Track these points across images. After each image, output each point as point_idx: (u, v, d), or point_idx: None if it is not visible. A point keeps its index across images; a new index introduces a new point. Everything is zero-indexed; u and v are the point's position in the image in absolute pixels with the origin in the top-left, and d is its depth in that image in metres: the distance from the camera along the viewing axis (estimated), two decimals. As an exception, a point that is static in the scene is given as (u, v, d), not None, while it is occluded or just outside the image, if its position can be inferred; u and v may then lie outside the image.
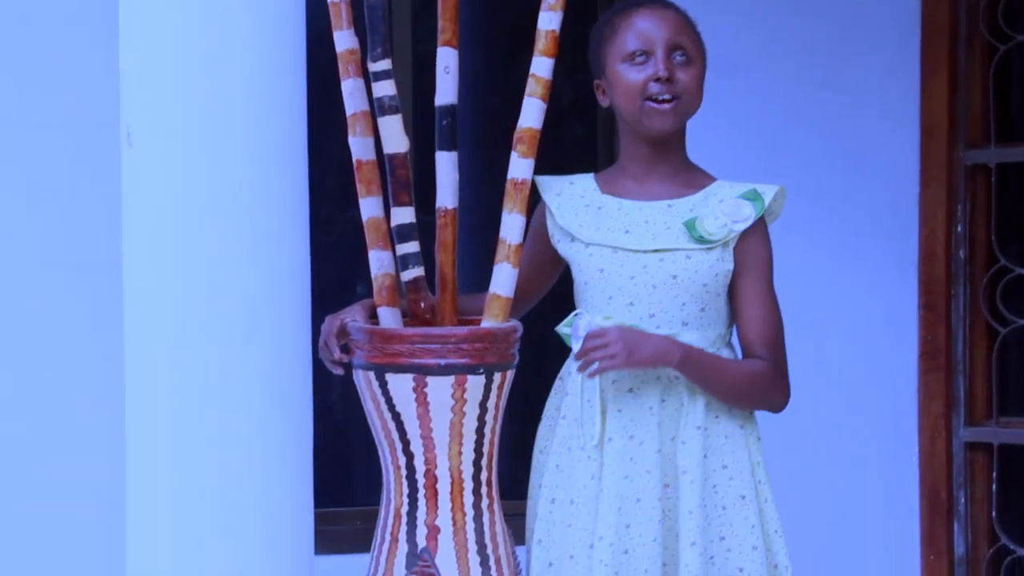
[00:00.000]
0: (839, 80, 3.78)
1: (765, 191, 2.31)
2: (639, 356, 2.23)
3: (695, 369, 2.26)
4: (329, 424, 3.66)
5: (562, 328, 2.32)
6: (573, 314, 2.32)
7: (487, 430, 2.14)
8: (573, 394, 2.32)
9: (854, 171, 3.80)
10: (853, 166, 3.80)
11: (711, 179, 2.35)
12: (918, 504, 3.81)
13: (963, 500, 3.79)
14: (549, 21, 2.14)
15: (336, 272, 3.83)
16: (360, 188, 2.20)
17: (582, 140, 3.92)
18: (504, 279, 2.17)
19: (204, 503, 2.05)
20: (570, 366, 2.35)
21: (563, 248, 2.34)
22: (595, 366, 2.23)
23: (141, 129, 2.04)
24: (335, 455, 3.79)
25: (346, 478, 3.86)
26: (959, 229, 3.77)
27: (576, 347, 2.29)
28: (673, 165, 2.33)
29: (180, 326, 2.06)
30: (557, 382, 2.39)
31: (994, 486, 3.76)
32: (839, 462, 3.81)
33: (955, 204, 3.76)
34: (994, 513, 3.76)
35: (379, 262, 2.20)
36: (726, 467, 2.30)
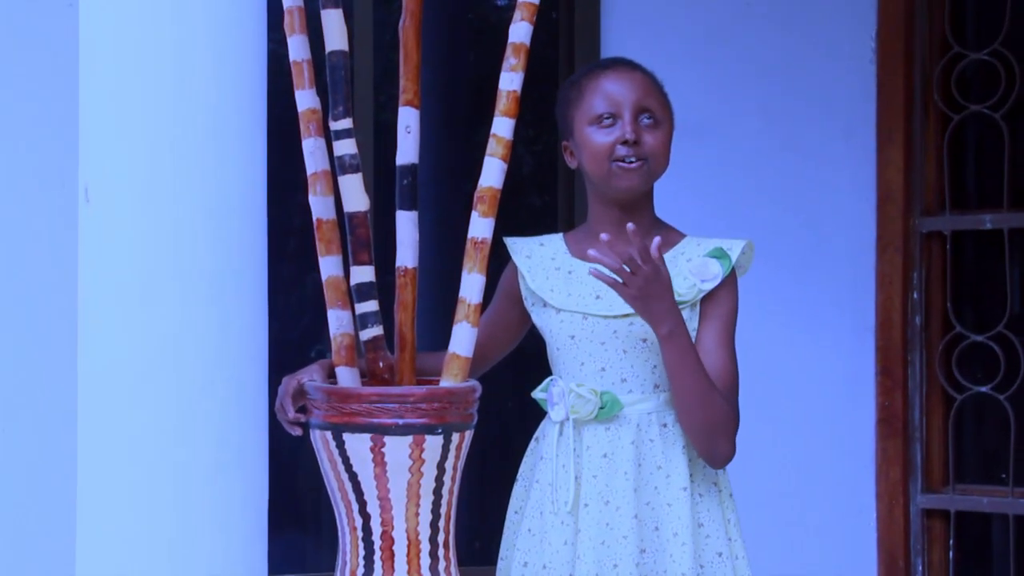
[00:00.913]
0: (798, 145, 3.82)
1: (732, 247, 2.32)
2: (643, 306, 2.20)
3: (676, 350, 2.21)
4: (283, 486, 3.63)
5: (537, 394, 2.33)
6: (548, 380, 2.33)
7: (445, 491, 2.12)
8: (548, 458, 2.31)
9: (813, 236, 3.83)
10: (812, 231, 3.83)
11: (680, 236, 2.36)
12: (876, 571, 3.81)
13: (920, 567, 3.79)
14: (510, 82, 2.15)
15: (296, 334, 3.81)
16: (320, 247, 2.19)
17: (541, 211, 3.94)
18: (463, 339, 2.16)
19: (156, 567, 2.02)
20: (545, 429, 2.34)
21: (536, 314, 2.35)
22: (607, 272, 2.19)
23: (98, 186, 2.03)
24: (289, 519, 3.75)
25: (301, 542, 3.82)
26: (915, 296, 3.80)
27: (553, 412, 2.29)
28: (642, 227, 2.33)
29: (135, 386, 2.03)
30: (532, 443, 2.39)
31: (951, 553, 3.77)
32: (797, 527, 3.81)
33: (911, 271, 3.80)
34: (951, 580, 3.77)
35: (338, 321, 2.19)
36: (702, 525, 2.29)
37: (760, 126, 3.81)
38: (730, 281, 2.32)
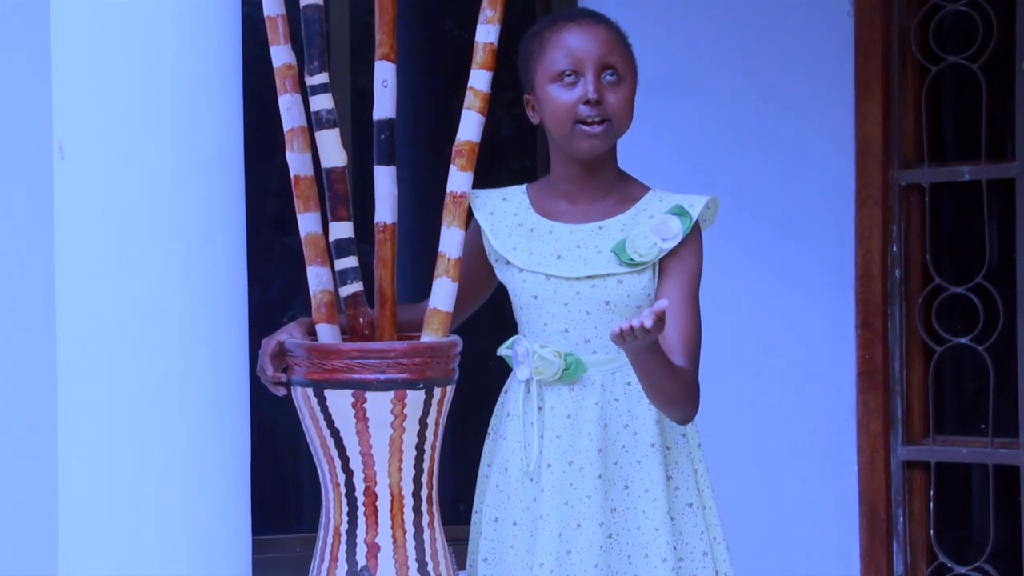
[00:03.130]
0: (776, 98, 3.81)
1: (694, 204, 2.28)
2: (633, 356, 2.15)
3: (645, 370, 2.17)
4: (266, 449, 3.62)
5: (503, 351, 2.31)
6: (513, 338, 2.31)
7: (427, 446, 2.12)
8: (514, 415, 2.30)
9: (792, 190, 3.83)
10: (791, 185, 3.83)
11: (644, 189, 2.33)
12: (857, 523, 3.83)
13: (902, 518, 3.81)
14: (487, 34, 2.14)
15: (276, 295, 3.80)
16: (298, 204, 2.18)
17: (520, 174, 3.92)
18: (444, 293, 2.16)
19: (138, 530, 2.01)
20: (511, 382, 2.33)
21: (499, 270, 2.33)
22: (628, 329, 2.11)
23: (73, 143, 2.01)
24: (273, 481, 3.74)
25: (284, 504, 3.81)
26: (895, 249, 3.80)
27: (518, 371, 2.28)
28: (605, 183, 2.30)
29: (113, 346, 2.02)
30: (501, 396, 2.37)
31: (932, 504, 3.79)
32: (778, 480, 3.82)
33: (891, 224, 3.80)
34: (932, 531, 3.79)
35: (317, 278, 2.18)
36: (671, 478, 2.29)
37: (738, 80, 3.80)
38: (693, 237, 2.28)
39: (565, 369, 2.25)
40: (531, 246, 2.29)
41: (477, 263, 2.34)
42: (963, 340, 3.75)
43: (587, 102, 2.23)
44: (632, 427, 2.27)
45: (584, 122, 2.24)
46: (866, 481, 3.81)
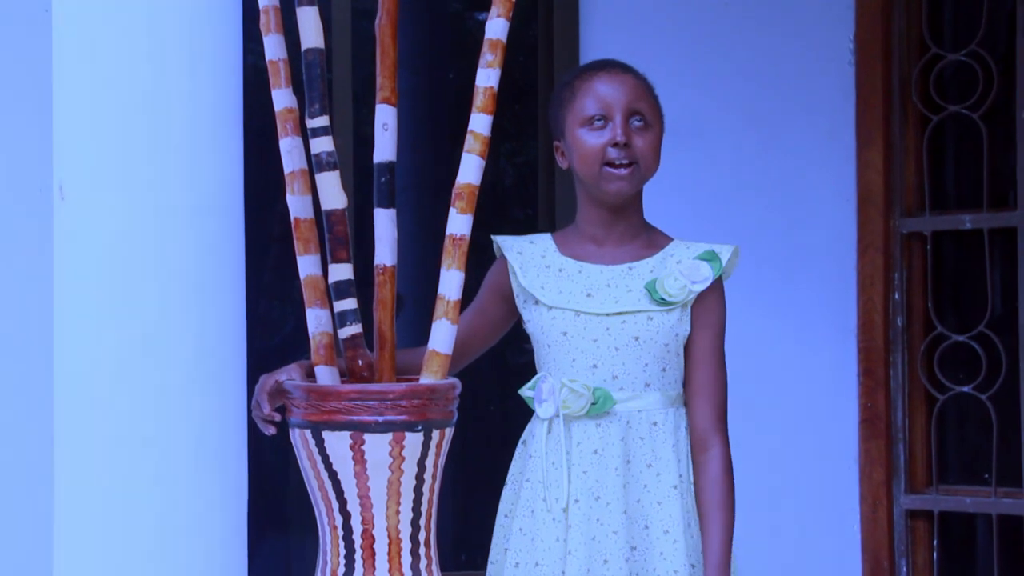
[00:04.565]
0: (779, 146, 3.82)
1: (722, 251, 2.34)
2: None
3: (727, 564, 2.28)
4: (262, 490, 3.61)
5: (525, 391, 2.33)
6: (537, 377, 2.33)
7: (426, 489, 2.11)
8: (538, 456, 2.31)
9: (795, 237, 3.84)
10: (794, 232, 3.84)
11: (668, 239, 2.38)
12: (860, 573, 3.81)
13: (905, 568, 3.78)
14: (487, 78, 2.15)
15: (278, 341, 3.80)
16: (298, 246, 2.18)
17: (523, 223, 3.94)
18: (443, 336, 2.15)
19: (134, 572, 2.00)
20: (533, 429, 2.34)
21: (526, 311, 2.35)
22: None
23: (73, 184, 2.02)
24: (269, 522, 3.73)
25: (280, 546, 3.80)
26: (896, 297, 3.80)
27: (541, 409, 2.29)
28: (631, 227, 2.35)
29: (110, 388, 2.02)
30: (520, 446, 2.39)
31: (935, 553, 3.76)
32: (781, 529, 3.80)
33: (892, 272, 3.80)
34: (936, 581, 3.77)
35: (317, 320, 2.18)
36: (690, 525, 2.31)
37: (741, 127, 3.82)
38: (717, 286, 2.34)
39: (593, 403, 2.28)
40: (560, 285, 2.33)
41: (497, 305, 2.38)
42: (966, 389, 3.74)
43: (615, 145, 2.29)
44: (655, 467, 2.29)
45: (612, 164, 2.30)
46: (869, 530, 3.79)
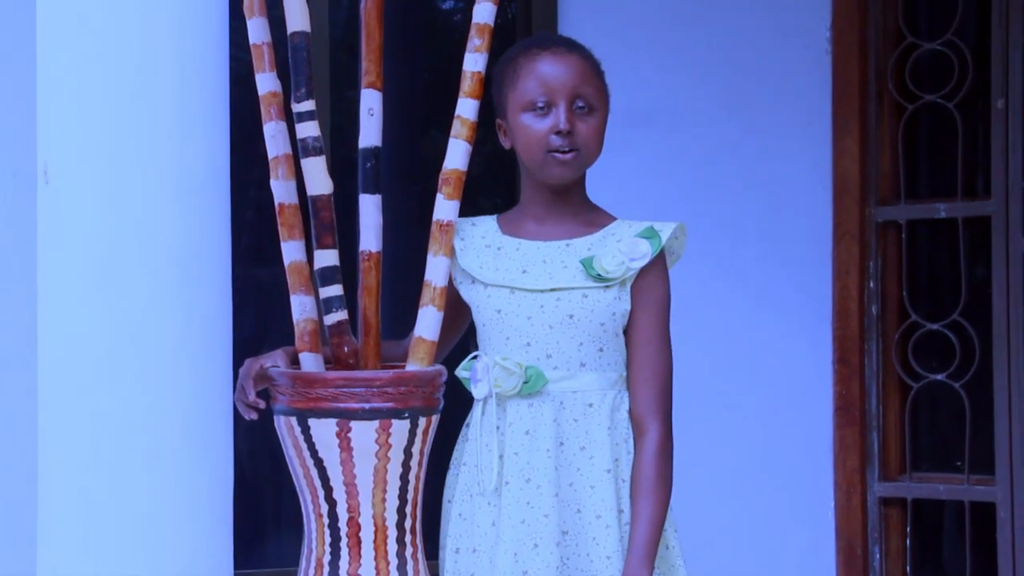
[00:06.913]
0: (756, 132, 3.83)
1: (663, 228, 2.29)
2: None
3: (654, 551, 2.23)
4: (246, 480, 3.59)
5: (461, 372, 2.29)
6: (470, 356, 2.29)
7: (411, 476, 2.10)
8: (473, 439, 2.28)
9: (771, 224, 3.84)
10: (770, 219, 3.84)
11: (611, 219, 2.34)
12: (834, 559, 3.82)
13: (878, 555, 3.80)
14: (475, 62, 2.13)
15: (256, 330, 3.77)
16: (282, 232, 2.16)
17: (491, 213, 3.92)
18: (429, 322, 2.14)
19: (119, 560, 1.98)
20: (474, 413, 2.32)
21: (464, 291, 2.31)
22: None
23: (58, 167, 2.00)
24: (253, 513, 3.71)
25: (264, 536, 3.78)
26: (871, 285, 3.81)
27: (475, 389, 2.26)
28: (573, 206, 2.31)
29: (95, 372, 2.00)
30: (463, 429, 2.35)
31: (908, 540, 3.78)
32: (754, 517, 3.81)
33: (867, 260, 3.81)
34: (908, 568, 3.78)
35: (301, 307, 2.16)
36: (622, 511, 2.26)
37: (719, 114, 3.82)
38: (660, 266, 2.28)
39: (525, 381, 2.24)
40: (497, 263, 2.29)
41: (454, 290, 2.34)
42: (939, 377, 3.76)
43: (558, 132, 2.25)
44: (589, 450, 2.25)
45: (555, 151, 2.26)
46: (843, 517, 3.81)
